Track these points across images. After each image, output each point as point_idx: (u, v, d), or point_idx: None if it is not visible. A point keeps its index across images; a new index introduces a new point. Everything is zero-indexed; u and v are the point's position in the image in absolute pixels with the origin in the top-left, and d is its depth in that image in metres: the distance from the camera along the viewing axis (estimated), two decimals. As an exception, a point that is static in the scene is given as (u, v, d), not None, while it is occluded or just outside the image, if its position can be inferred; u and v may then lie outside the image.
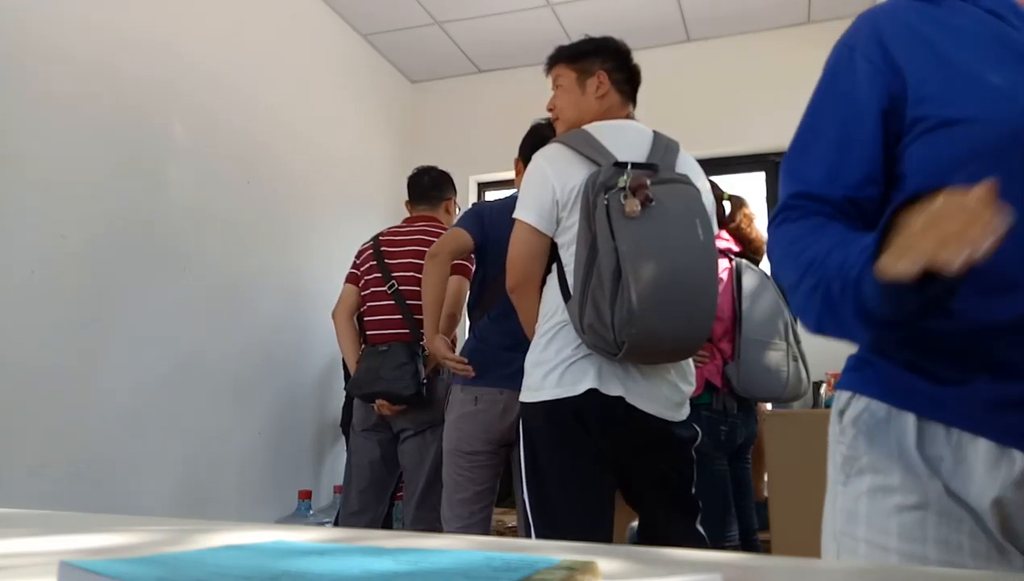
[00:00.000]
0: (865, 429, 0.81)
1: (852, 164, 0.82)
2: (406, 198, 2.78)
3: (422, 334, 2.46)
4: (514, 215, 1.63)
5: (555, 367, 1.53)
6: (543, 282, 1.64)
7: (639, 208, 1.42)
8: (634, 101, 1.77)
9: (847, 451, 0.83)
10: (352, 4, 3.44)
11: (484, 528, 2.12)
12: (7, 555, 0.49)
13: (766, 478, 2.63)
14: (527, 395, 1.59)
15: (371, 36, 3.72)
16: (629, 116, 1.73)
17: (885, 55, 0.81)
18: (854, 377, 0.86)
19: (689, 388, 1.64)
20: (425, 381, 2.37)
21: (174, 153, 2.53)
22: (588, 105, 1.70)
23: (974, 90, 0.75)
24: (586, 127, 1.63)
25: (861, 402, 0.83)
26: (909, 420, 0.78)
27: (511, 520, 2.89)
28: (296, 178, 3.16)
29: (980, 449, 0.74)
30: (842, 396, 0.88)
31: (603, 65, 1.71)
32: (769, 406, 2.68)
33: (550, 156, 1.61)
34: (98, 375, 2.20)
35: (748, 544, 2.36)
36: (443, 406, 2.51)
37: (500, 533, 2.68)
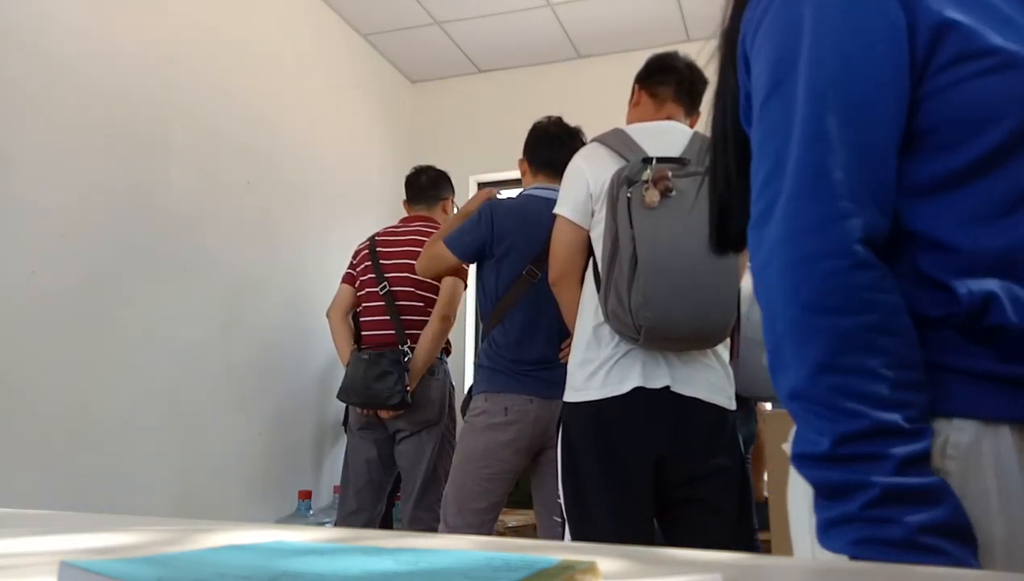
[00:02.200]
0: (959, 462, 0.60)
1: (889, 160, 0.63)
2: (404, 198, 2.79)
3: (408, 337, 2.46)
4: (554, 211, 1.72)
5: (600, 367, 1.56)
6: (583, 276, 1.71)
7: (657, 198, 1.49)
8: (681, 101, 1.80)
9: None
10: (352, 4, 3.44)
11: (490, 531, 2.12)
12: (7, 555, 0.49)
13: (766, 478, 2.63)
14: (571, 395, 1.61)
15: (371, 36, 3.72)
16: (670, 117, 1.78)
17: None
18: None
19: (732, 383, 1.66)
20: (409, 387, 2.36)
21: (174, 154, 2.53)
22: (628, 115, 1.87)
23: (1014, 30, 0.61)
24: (623, 127, 1.73)
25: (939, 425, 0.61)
26: (1004, 435, 0.59)
27: (511, 520, 2.89)
28: (296, 178, 3.16)
29: None
30: None
31: (638, 80, 1.85)
32: (768, 406, 2.68)
33: (586, 153, 1.72)
34: (98, 375, 2.20)
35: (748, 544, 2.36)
36: (439, 406, 2.51)
37: (500, 533, 2.68)
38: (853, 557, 0.57)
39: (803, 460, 0.61)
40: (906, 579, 0.47)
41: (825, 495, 0.60)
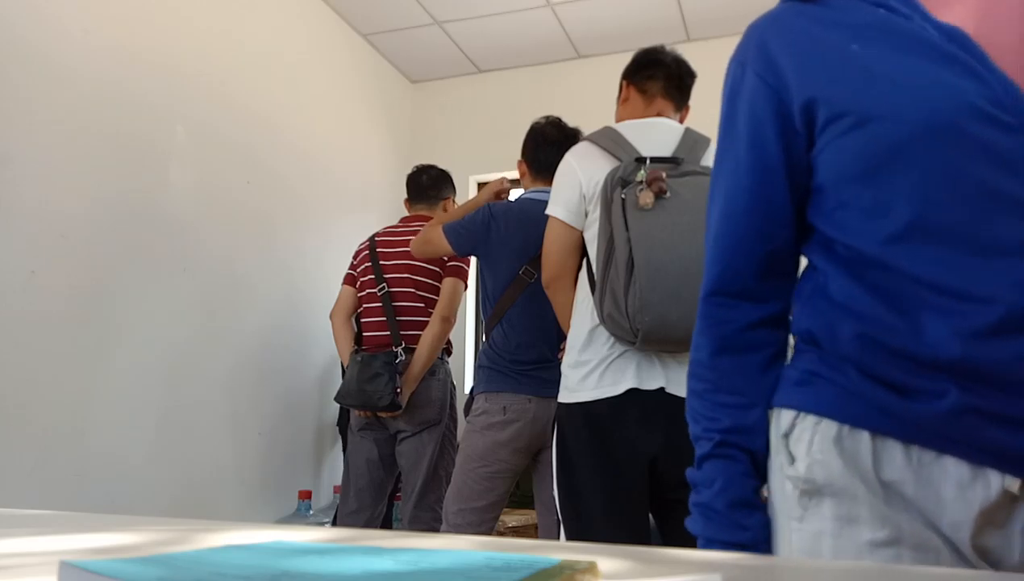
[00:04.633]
0: (818, 454, 0.71)
1: (764, 228, 0.80)
2: (406, 197, 2.79)
3: (405, 338, 2.46)
4: (546, 212, 1.71)
5: (595, 368, 1.55)
6: (577, 277, 1.69)
7: (652, 200, 1.47)
8: (671, 96, 1.78)
9: (803, 482, 0.72)
10: (352, 4, 3.44)
11: (490, 531, 2.12)
12: (7, 555, 0.49)
13: (766, 478, 2.62)
14: (565, 396, 1.60)
15: (371, 36, 3.72)
16: (660, 113, 1.76)
17: (773, 67, 0.77)
18: (798, 393, 0.76)
19: None
20: (399, 389, 2.36)
21: (174, 154, 2.53)
22: (617, 112, 1.85)
23: (883, 86, 0.69)
24: (614, 125, 1.71)
25: (808, 422, 0.74)
26: (863, 439, 0.69)
27: (511, 520, 2.89)
28: (296, 178, 3.16)
29: (948, 470, 0.66)
30: (783, 416, 0.77)
31: (627, 76, 1.82)
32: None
33: (578, 153, 1.70)
34: (98, 375, 2.20)
35: None
36: (439, 406, 2.51)
37: (500, 533, 2.68)
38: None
39: None
40: (906, 579, 0.47)
41: None
